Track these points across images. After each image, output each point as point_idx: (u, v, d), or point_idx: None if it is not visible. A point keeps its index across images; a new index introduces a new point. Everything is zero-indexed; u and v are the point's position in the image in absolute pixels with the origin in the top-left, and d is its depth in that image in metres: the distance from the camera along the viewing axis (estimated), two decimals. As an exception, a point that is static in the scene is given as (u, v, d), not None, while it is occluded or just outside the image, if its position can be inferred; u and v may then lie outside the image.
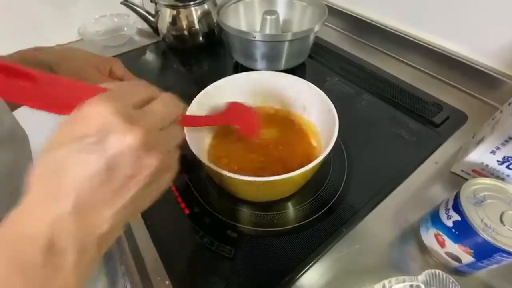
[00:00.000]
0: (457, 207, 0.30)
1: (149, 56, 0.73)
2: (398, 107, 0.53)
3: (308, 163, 0.30)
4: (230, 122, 0.39)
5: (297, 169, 0.30)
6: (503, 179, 0.39)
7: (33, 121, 0.39)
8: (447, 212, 0.31)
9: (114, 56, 0.69)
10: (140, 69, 0.68)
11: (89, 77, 0.37)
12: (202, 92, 0.40)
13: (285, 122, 0.46)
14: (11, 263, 0.16)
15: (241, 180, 0.29)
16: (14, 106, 0.34)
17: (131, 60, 0.70)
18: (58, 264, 0.17)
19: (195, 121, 0.34)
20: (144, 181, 0.19)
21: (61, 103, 0.18)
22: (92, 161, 0.17)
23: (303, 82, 0.42)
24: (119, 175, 0.18)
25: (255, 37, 0.53)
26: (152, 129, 0.19)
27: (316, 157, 0.31)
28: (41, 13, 0.70)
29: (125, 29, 0.76)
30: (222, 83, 0.42)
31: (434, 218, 0.33)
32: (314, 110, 0.43)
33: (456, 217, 0.30)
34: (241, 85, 0.44)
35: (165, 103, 0.21)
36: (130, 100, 0.19)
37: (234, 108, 0.39)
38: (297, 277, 0.33)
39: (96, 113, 0.17)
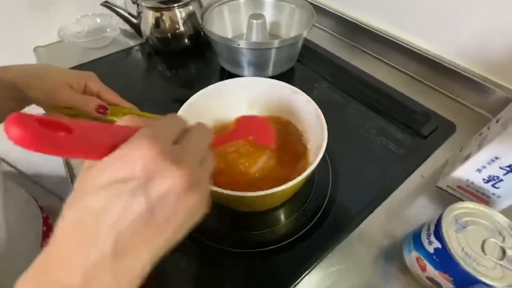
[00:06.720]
0: (438, 234, 0.29)
1: (133, 58, 0.71)
2: (387, 117, 0.52)
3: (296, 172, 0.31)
4: (245, 136, 0.38)
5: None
6: (488, 197, 0.38)
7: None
8: (428, 237, 0.31)
9: (97, 59, 0.68)
10: (124, 72, 0.66)
11: (63, 97, 0.35)
12: (195, 96, 0.40)
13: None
14: None
15: (235, 195, 0.30)
16: None
17: (115, 62, 0.68)
18: None
19: (215, 143, 0.33)
20: (182, 219, 0.19)
21: (95, 148, 0.18)
22: (137, 204, 0.17)
23: (292, 89, 0.41)
24: (161, 216, 0.17)
25: (239, 45, 0.51)
26: (195, 166, 0.19)
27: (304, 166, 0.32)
28: (18, 14, 0.66)
29: (108, 30, 0.73)
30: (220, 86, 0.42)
31: (416, 241, 0.33)
32: (305, 118, 0.42)
33: (437, 244, 0.29)
34: (232, 91, 0.43)
35: (198, 133, 0.21)
36: (169, 137, 0.19)
37: (245, 122, 0.39)
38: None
39: (140, 155, 0.17)
